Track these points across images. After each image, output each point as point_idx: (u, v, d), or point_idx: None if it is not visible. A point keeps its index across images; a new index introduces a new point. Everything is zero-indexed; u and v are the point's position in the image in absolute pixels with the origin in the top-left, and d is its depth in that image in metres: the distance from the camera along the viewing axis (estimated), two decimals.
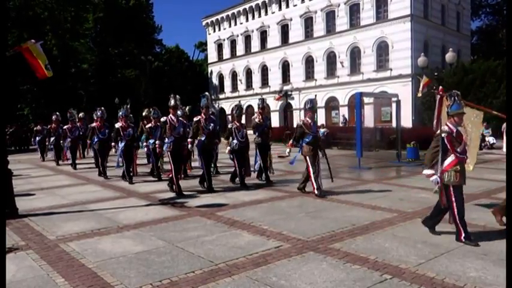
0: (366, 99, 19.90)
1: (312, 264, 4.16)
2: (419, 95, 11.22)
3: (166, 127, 8.07)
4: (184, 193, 8.17)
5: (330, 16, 34.68)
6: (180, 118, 8.34)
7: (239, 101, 12.17)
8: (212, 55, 46.74)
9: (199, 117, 8.41)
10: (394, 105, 13.59)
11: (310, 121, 7.86)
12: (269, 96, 38.75)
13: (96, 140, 10.95)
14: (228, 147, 8.74)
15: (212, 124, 8.47)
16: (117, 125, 9.89)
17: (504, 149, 17.74)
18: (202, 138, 8.32)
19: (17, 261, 4.37)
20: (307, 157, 7.69)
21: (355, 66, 33.38)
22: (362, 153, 12.56)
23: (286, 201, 7.38)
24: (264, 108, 9.79)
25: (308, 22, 36.44)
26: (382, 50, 31.64)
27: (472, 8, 40.20)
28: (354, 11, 33.10)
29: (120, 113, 10.10)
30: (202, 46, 55.76)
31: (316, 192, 7.56)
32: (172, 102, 8.19)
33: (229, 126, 8.93)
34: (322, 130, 7.54)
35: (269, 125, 9.75)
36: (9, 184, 6.48)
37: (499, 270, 3.89)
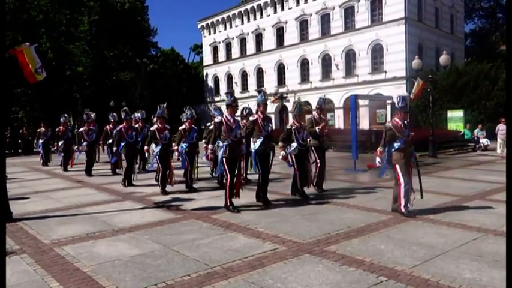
0: (361, 102, 19.99)
1: (308, 266, 4.16)
2: (413, 97, 11.28)
3: (221, 128, 6.82)
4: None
5: (325, 19, 34.84)
6: (237, 118, 7.13)
7: (298, 98, 10.77)
8: (208, 58, 46.77)
9: (255, 116, 7.26)
10: (388, 107, 13.65)
11: (400, 123, 6.44)
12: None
13: (123, 143, 9.86)
14: (283, 152, 7.58)
15: (270, 125, 7.36)
16: (153, 127, 8.82)
17: (498, 151, 17.86)
18: (259, 142, 7.12)
19: (11, 265, 4.34)
20: (398, 166, 6.32)
21: (350, 68, 33.52)
22: (357, 155, 12.59)
23: (282, 203, 7.38)
24: (323, 109, 8.96)
25: (303, 25, 36.58)
26: (377, 52, 31.81)
27: (466, 11, 40.52)
28: (349, 13, 33.28)
29: (157, 113, 8.99)
30: (197, 49, 55.75)
31: (403, 209, 6.18)
32: (229, 99, 7.00)
33: (288, 127, 7.84)
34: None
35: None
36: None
37: (494, 272, 3.91)
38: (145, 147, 9.17)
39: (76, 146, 12.00)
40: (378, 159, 6.59)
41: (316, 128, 8.24)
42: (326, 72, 35.12)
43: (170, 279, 3.88)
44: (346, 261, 4.29)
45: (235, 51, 42.90)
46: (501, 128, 16.77)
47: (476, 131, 20.05)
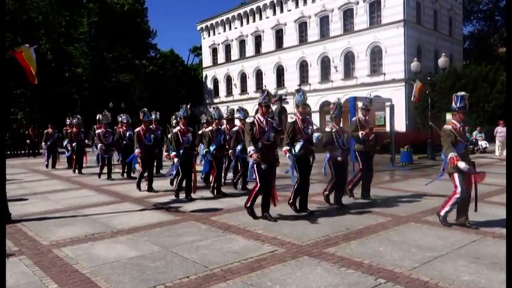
0: (359, 104, 19.95)
1: (307, 268, 4.16)
2: (413, 99, 11.28)
3: (253, 130, 6.12)
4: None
5: (324, 21, 34.92)
6: (270, 119, 6.33)
7: (338, 98, 9.88)
8: (207, 59, 46.82)
9: (294, 117, 6.59)
10: (387, 109, 13.65)
11: (459, 125, 5.73)
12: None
13: (142, 146, 9.13)
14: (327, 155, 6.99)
15: (310, 127, 6.68)
16: (175, 129, 8.19)
17: (497, 153, 17.88)
18: (298, 145, 6.42)
19: (10, 267, 4.33)
20: (456, 175, 5.64)
21: (349, 70, 33.59)
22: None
23: (281, 205, 7.37)
24: (369, 110, 8.17)
25: (302, 27, 36.65)
26: (376, 54, 31.88)
27: (464, 14, 40.66)
28: (348, 16, 33.36)
29: (179, 114, 8.34)
30: (197, 50, 55.79)
31: (442, 213, 5.71)
32: (263, 98, 6.21)
33: (328, 129, 7.16)
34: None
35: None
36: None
37: (493, 274, 3.91)
38: (166, 154, 8.66)
39: (92, 148, 11.66)
40: (462, 164, 5.43)
41: (360, 133, 7.48)
42: (325, 74, 35.18)
43: (169, 281, 3.88)
44: (345, 263, 4.29)
45: (235, 53, 42.95)
46: (499, 130, 16.82)
47: (474, 133, 20.09)
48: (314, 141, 6.04)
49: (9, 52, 6.87)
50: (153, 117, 9.60)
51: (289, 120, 6.60)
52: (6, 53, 6.71)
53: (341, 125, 7.19)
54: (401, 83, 29.70)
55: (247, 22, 41.29)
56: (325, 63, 35.21)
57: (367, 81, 31.84)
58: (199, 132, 9.84)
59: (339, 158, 6.86)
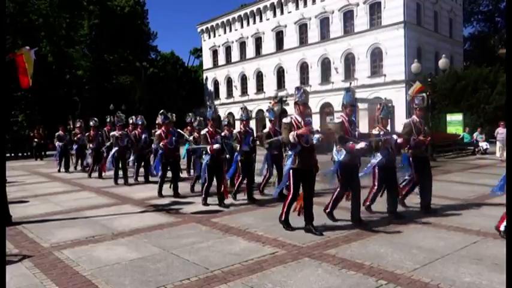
0: (360, 105, 20.03)
1: (308, 270, 4.16)
2: (409, 98, 11.26)
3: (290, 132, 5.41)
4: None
5: (324, 23, 34.96)
6: (308, 119, 5.72)
7: (385, 98, 9.35)
8: (207, 61, 46.87)
9: (341, 118, 5.98)
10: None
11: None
12: (264, 103, 38.87)
13: (161, 152, 8.51)
14: (374, 160, 6.35)
15: (357, 129, 6.18)
16: (204, 131, 7.57)
17: (497, 154, 17.83)
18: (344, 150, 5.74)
19: (11, 269, 4.33)
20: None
21: (349, 72, 33.62)
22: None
23: (281, 207, 7.36)
24: (422, 110, 7.13)
25: (303, 29, 36.70)
26: (376, 56, 31.90)
27: (464, 15, 40.70)
28: (348, 17, 33.40)
29: (207, 115, 7.80)
30: (197, 52, 55.87)
31: None
32: (300, 95, 5.56)
33: (375, 131, 6.47)
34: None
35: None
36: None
37: (494, 275, 3.91)
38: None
39: (106, 149, 10.98)
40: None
41: (418, 138, 6.65)
42: (325, 76, 35.20)
43: (169, 283, 3.88)
44: (345, 264, 4.28)
45: (235, 55, 42.99)
46: (500, 132, 16.79)
47: (475, 134, 20.07)
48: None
49: (10, 55, 6.88)
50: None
51: (336, 120, 6.00)
52: (7, 55, 6.72)
53: (388, 128, 6.56)
54: (401, 84, 29.71)
55: (248, 24, 41.35)
56: (325, 65, 35.23)
57: (367, 83, 31.85)
58: (222, 134, 9.14)
59: (376, 163, 6.24)
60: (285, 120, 5.59)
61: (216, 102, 44.69)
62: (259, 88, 40.67)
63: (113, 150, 10.70)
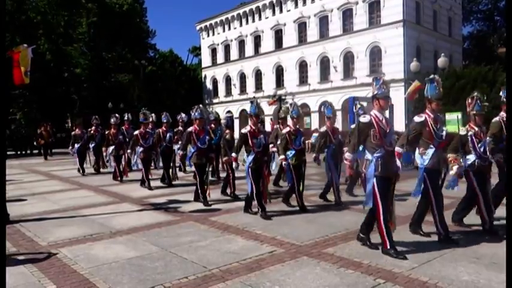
0: (358, 104, 19.98)
1: (306, 269, 4.15)
2: (406, 95, 11.18)
3: (366, 133, 4.64)
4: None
5: (323, 21, 34.94)
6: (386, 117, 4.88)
7: (475, 90, 8.53)
8: (206, 60, 46.82)
9: (423, 116, 4.99)
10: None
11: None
12: (263, 101, 38.84)
13: (194, 150, 7.53)
14: (455, 167, 5.29)
15: (444, 128, 5.15)
16: (245, 129, 6.69)
17: None
18: (429, 153, 4.96)
19: (8, 267, 4.30)
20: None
21: (348, 71, 33.61)
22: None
23: (279, 206, 7.36)
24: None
25: (301, 27, 36.67)
26: (375, 54, 31.90)
27: (463, 14, 40.71)
28: (347, 16, 33.38)
29: (249, 111, 6.94)
30: (196, 51, 55.77)
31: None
32: (379, 88, 4.80)
33: (463, 132, 5.50)
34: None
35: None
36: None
37: (492, 274, 3.91)
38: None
39: (129, 151, 9.97)
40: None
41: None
42: (324, 75, 35.19)
43: (167, 282, 3.87)
44: (344, 263, 4.28)
45: (234, 53, 42.96)
46: None
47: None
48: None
49: (8, 52, 6.85)
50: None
51: (418, 118, 5.04)
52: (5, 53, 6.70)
53: (482, 126, 5.48)
54: (400, 83, 29.69)
55: (247, 22, 41.30)
56: (324, 64, 35.22)
57: (366, 81, 31.76)
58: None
59: (465, 168, 5.33)
60: (363, 119, 4.70)
61: (215, 100, 44.73)
62: (258, 87, 40.64)
63: (138, 151, 9.62)
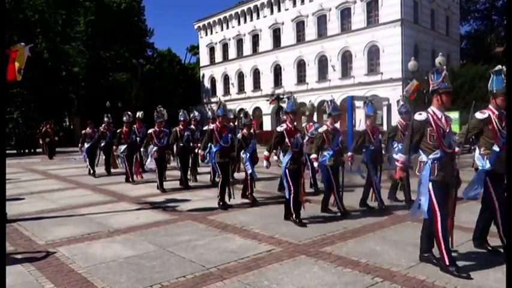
0: (356, 103, 20.06)
1: (304, 267, 4.16)
2: (406, 94, 11.13)
3: (422, 132, 4.08)
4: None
5: (322, 20, 34.96)
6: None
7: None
8: (204, 58, 46.78)
9: (486, 112, 4.51)
10: (384, 108, 13.69)
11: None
12: (261, 100, 38.88)
13: (216, 148, 7.08)
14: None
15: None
16: (281, 127, 6.14)
17: None
18: (494, 155, 4.34)
19: (6, 266, 4.30)
20: None
21: (346, 70, 33.65)
22: (354, 157, 12.60)
23: (278, 205, 7.36)
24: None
25: (300, 26, 36.67)
26: (373, 54, 31.94)
27: (461, 13, 40.79)
28: (345, 15, 33.41)
29: (285, 108, 6.52)
30: (194, 50, 55.72)
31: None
32: (441, 81, 4.09)
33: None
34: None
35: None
36: None
37: (489, 272, 3.92)
38: (266, 154, 6.37)
39: (143, 149, 9.54)
40: None
41: None
42: (322, 74, 35.22)
43: (165, 281, 3.87)
44: (341, 262, 4.29)
45: (232, 52, 42.93)
46: None
47: None
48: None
49: (6, 51, 6.83)
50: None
51: (480, 115, 4.56)
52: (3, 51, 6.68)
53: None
54: (398, 82, 29.76)
55: (245, 21, 41.27)
56: (322, 63, 35.24)
57: (364, 81, 31.88)
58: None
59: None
60: (419, 116, 4.16)
61: (213, 99, 44.64)
62: (256, 86, 40.64)
63: (152, 150, 9.03)
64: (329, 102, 6.55)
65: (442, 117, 4.11)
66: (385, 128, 13.52)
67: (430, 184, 3.99)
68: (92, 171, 12.14)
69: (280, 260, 4.37)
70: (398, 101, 6.87)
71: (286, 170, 5.96)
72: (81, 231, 5.69)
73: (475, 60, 30.79)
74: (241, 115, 8.16)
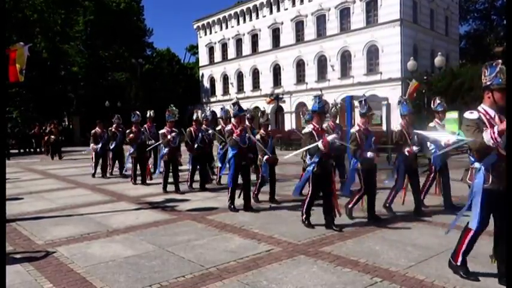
0: (356, 103, 20.05)
1: (303, 267, 4.16)
2: (407, 96, 11.11)
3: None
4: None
5: (321, 20, 34.96)
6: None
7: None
8: (203, 58, 46.77)
9: (478, 113, 3.86)
10: (384, 108, 13.68)
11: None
12: (260, 100, 38.87)
13: (234, 152, 6.76)
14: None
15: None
16: (307, 129, 5.81)
17: None
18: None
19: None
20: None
21: (345, 69, 33.66)
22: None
23: (277, 205, 7.36)
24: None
25: (299, 26, 36.68)
26: (372, 53, 31.95)
27: (460, 13, 40.84)
28: (344, 15, 33.42)
29: (312, 108, 5.99)
30: (193, 49, 55.73)
31: None
32: (497, 79, 3.67)
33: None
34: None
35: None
36: None
37: (488, 273, 3.92)
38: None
39: (162, 147, 9.08)
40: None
41: None
42: (322, 73, 35.24)
43: (164, 281, 3.87)
44: (341, 262, 4.29)
45: (231, 52, 42.93)
46: None
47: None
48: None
49: (5, 50, 6.82)
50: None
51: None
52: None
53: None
54: (397, 82, 29.77)
55: (244, 21, 41.27)
56: (321, 62, 35.25)
57: (363, 80, 31.89)
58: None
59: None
60: (469, 115, 3.79)
61: (212, 99, 44.68)
62: (256, 85, 40.63)
63: (163, 152, 8.79)
64: (362, 102, 6.09)
65: (495, 116, 3.66)
66: (384, 127, 13.49)
67: (483, 193, 3.58)
68: (94, 172, 11.81)
69: (279, 260, 4.37)
70: (399, 102, 6.57)
71: (312, 175, 5.57)
72: (80, 231, 5.68)
73: (474, 60, 30.84)
74: (259, 114, 7.76)
